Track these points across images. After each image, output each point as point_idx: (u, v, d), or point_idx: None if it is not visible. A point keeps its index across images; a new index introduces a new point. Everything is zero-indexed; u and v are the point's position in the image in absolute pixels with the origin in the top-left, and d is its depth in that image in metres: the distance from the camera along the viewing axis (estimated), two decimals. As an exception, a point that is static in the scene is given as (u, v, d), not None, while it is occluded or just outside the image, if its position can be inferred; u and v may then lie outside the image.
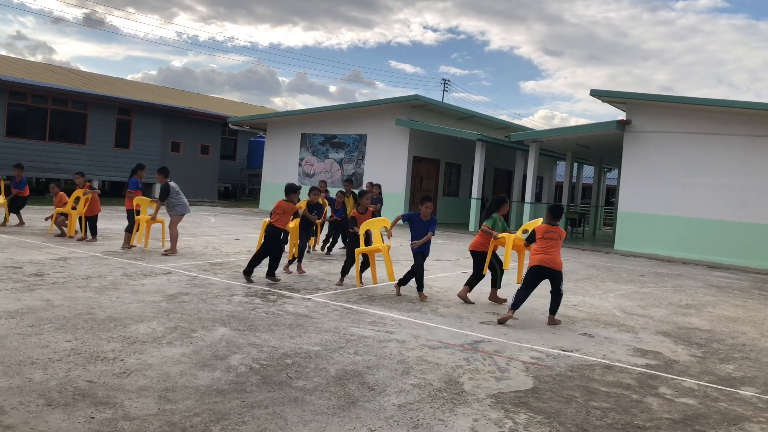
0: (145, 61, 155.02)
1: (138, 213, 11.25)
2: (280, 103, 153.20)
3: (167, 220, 11.03)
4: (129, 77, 71.52)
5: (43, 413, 3.72)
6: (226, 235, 14.46)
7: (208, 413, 3.89)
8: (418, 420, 4.03)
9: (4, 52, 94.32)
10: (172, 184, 10.89)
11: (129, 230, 11.09)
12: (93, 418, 3.70)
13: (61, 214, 12.29)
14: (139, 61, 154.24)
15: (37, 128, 22.76)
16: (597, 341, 6.53)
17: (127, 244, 11.01)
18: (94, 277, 8.05)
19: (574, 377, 5.20)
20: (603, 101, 17.91)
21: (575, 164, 27.28)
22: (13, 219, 13.63)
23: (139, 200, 11.38)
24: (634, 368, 5.61)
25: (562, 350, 6.05)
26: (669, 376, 5.45)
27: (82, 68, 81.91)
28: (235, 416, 3.87)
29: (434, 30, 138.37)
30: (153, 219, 11.01)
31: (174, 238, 10.79)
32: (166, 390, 4.22)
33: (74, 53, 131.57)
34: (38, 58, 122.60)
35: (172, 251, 10.67)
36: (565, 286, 10.11)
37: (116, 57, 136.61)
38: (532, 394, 4.70)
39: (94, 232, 11.87)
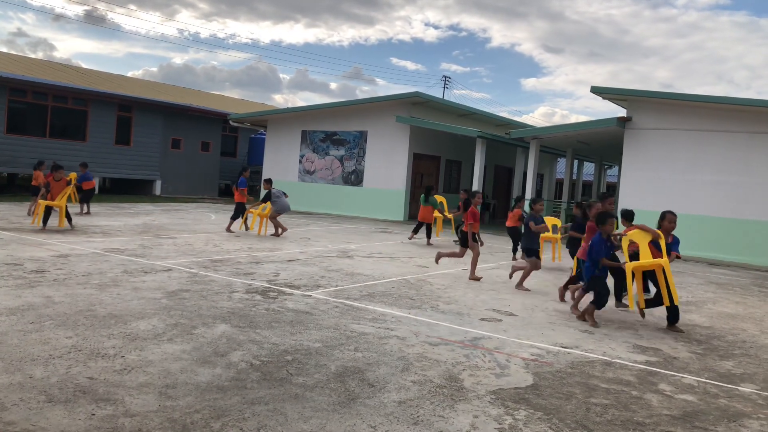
0: (146, 58, 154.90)
1: (245, 206, 14.52)
2: (281, 100, 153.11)
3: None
4: (130, 74, 71.56)
5: (43, 410, 3.73)
6: (225, 232, 14.46)
7: (209, 410, 3.90)
8: (418, 416, 4.04)
9: (4, 49, 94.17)
10: (274, 190, 14.40)
11: (234, 218, 14.41)
12: (94, 414, 3.71)
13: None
14: (140, 58, 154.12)
15: (37, 125, 22.76)
16: (597, 338, 6.53)
17: (229, 229, 14.32)
18: (95, 273, 8.06)
19: (574, 374, 5.21)
20: (604, 98, 17.89)
21: (576, 161, 27.29)
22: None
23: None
24: (634, 365, 5.61)
25: (562, 347, 6.06)
26: (669, 372, 5.46)
27: (83, 65, 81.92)
28: (235, 413, 3.88)
29: (436, 27, 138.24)
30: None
31: (275, 225, 14.21)
32: (167, 386, 4.23)
33: (75, 50, 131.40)
34: (39, 55, 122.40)
35: (276, 234, 14.16)
36: (562, 282, 10.13)
37: (117, 54, 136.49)
38: (532, 391, 4.70)
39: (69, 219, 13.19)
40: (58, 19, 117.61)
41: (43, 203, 12.66)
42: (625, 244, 7.39)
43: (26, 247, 9.93)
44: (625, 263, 7.33)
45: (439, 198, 15.99)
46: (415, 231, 15.18)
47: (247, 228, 14.79)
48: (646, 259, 7.17)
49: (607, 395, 4.72)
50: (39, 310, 6.01)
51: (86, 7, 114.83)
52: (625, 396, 4.74)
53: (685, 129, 16.33)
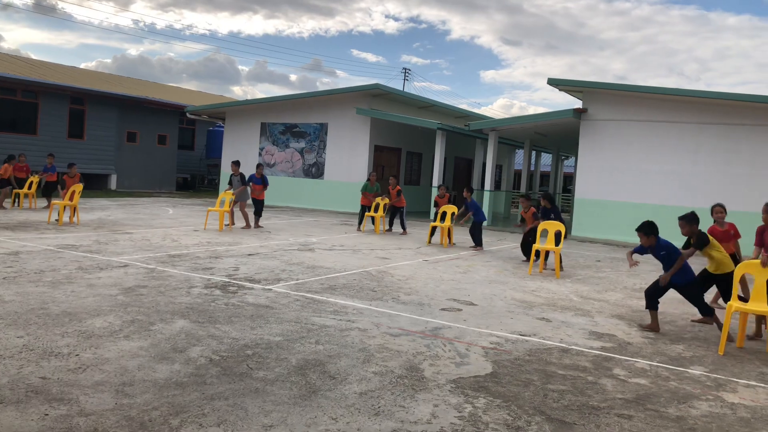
0: (99, 49, 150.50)
1: (260, 201, 14.79)
2: (240, 92, 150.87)
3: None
4: (82, 66, 69.51)
5: (-6, 411, 3.62)
6: (184, 226, 14.24)
7: (167, 406, 3.85)
8: (379, 407, 4.07)
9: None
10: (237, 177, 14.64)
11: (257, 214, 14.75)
12: (47, 414, 3.62)
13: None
14: (93, 49, 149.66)
15: (-16, 118, 21.94)
16: (554, 325, 6.67)
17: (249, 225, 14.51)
18: (48, 271, 7.85)
19: (532, 361, 5.31)
20: (560, 90, 18.19)
21: (533, 152, 27.69)
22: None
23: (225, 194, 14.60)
24: (590, 351, 5.75)
25: (521, 335, 6.17)
26: (623, 357, 5.62)
27: (33, 56, 79.19)
28: (194, 409, 3.84)
29: (396, 19, 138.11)
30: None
31: (244, 217, 14.58)
32: (124, 384, 4.16)
33: (24, 40, 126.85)
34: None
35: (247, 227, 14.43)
36: (523, 272, 10.31)
37: (69, 45, 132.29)
38: (491, 379, 4.78)
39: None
40: (5, 8, 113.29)
41: (60, 202, 13.43)
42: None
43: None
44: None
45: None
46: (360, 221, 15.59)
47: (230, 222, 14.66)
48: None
49: (564, 381, 4.83)
50: (-12, 309, 5.82)
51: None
52: (581, 381, 4.86)
53: (639, 120, 16.75)
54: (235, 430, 3.58)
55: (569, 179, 36.72)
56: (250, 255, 10.30)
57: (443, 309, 7.11)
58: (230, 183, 14.72)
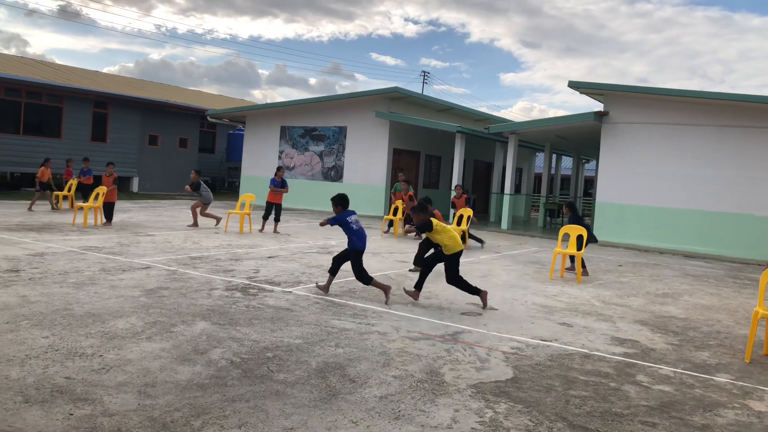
0: (122, 53, 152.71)
1: (275, 205, 14.59)
2: (260, 95, 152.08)
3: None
4: (105, 70, 70.43)
5: (20, 410, 3.67)
6: (205, 228, 14.35)
7: (189, 408, 3.87)
8: (399, 411, 4.05)
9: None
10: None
11: (277, 219, 14.63)
12: (71, 414, 3.66)
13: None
14: (115, 54, 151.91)
15: (10, 122, 22.35)
16: (576, 331, 6.61)
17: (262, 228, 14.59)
18: (72, 272, 7.95)
19: (553, 366, 5.27)
20: (581, 93, 18.05)
21: (554, 155, 27.51)
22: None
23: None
24: (612, 357, 5.69)
25: (542, 340, 6.11)
26: (646, 364, 5.54)
27: (57, 61, 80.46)
28: (216, 410, 3.86)
29: (415, 22, 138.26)
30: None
31: (212, 216, 15.03)
32: (146, 385, 4.20)
33: (49, 46, 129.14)
34: (12, 50, 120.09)
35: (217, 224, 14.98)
36: (544, 277, 10.23)
37: (92, 50, 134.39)
38: (512, 384, 4.75)
39: (110, 218, 14.03)
40: (31, 14, 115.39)
41: (85, 205, 13.70)
42: None
43: (0, 246, 9.75)
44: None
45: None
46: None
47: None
48: None
49: (585, 387, 4.78)
50: (14, 309, 5.91)
51: (60, 2, 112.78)
52: (603, 388, 4.80)
53: (660, 123, 16.55)
54: (256, 433, 3.59)
55: (590, 183, 36.42)
56: (270, 257, 10.35)
57: (463, 313, 7.08)
58: (190, 185, 14.97)
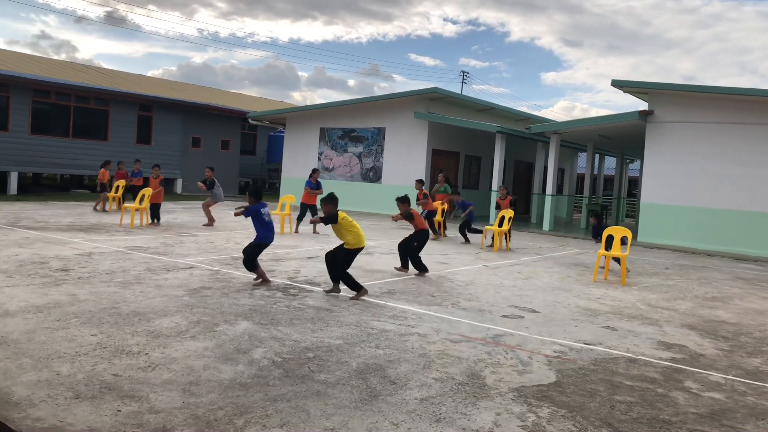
0: (165, 57, 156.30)
1: (310, 207, 14.67)
2: (299, 97, 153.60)
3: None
4: (149, 74, 72.26)
5: (71, 406, 3.78)
6: (246, 229, 14.55)
7: (232, 406, 3.92)
8: (440, 414, 4.02)
9: (29, 51, 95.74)
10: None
11: (300, 218, 14.68)
12: (119, 410, 3.75)
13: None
14: (159, 58, 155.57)
15: (60, 125, 23.09)
16: (620, 334, 6.46)
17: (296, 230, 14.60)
18: (118, 272, 8.15)
19: (597, 371, 5.16)
20: (624, 91, 17.67)
21: (597, 155, 27.01)
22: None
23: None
24: (659, 362, 5.54)
25: (585, 343, 6.00)
26: (695, 369, 5.38)
27: (104, 66, 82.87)
28: (258, 410, 3.90)
29: (454, 22, 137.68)
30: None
31: (207, 215, 14.97)
32: (190, 383, 4.27)
33: (96, 51, 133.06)
34: (62, 56, 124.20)
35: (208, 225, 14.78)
36: (587, 279, 10.04)
37: (137, 54, 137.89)
38: (555, 388, 4.66)
39: (157, 218, 14.57)
40: (80, 21, 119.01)
41: (132, 206, 14.01)
42: None
43: (51, 246, 10.07)
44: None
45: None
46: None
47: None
48: None
49: (631, 393, 4.67)
50: (65, 307, 6.10)
51: (107, 9, 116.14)
52: (650, 394, 4.68)
53: (709, 122, 16.08)
54: (298, 433, 3.61)
55: (634, 183, 35.63)
56: (309, 258, 10.42)
57: (504, 316, 7.00)
58: (204, 183, 15.16)
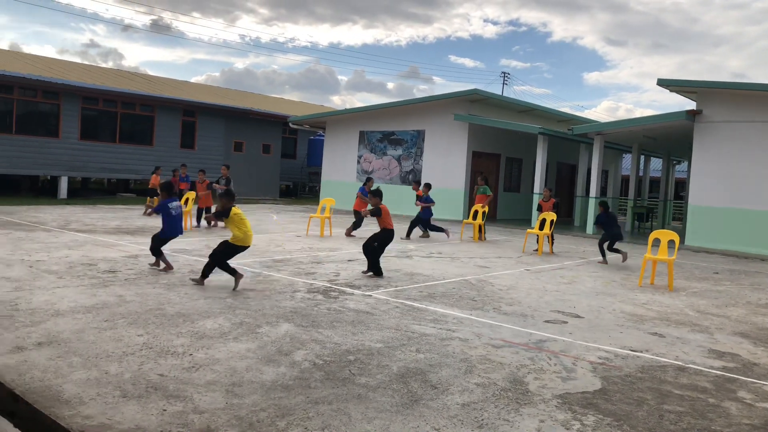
0: (208, 63, 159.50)
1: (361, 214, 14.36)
2: (339, 101, 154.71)
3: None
4: (193, 80, 73.79)
5: (119, 404, 3.86)
6: (288, 232, 14.69)
7: (274, 408, 3.94)
8: (482, 420, 3.97)
9: (78, 60, 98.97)
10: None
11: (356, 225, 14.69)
12: (165, 410, 3.81)
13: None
14: (202, 64, 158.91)
15: (107, 131, 23.75)
16: (668, 341, 6.27)
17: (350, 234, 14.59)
18: (163, 273, 8.32)
19: (644, 378, 5.01)
20: (671, 91, 17.21)
21: (642, 157, 26.39)
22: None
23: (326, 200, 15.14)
24: (710, 370, 5.35)
25: (632, 350, 5.84)
26: (748, 379, 5.18)
27: (150, 72, 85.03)
28: (300, 412, 3.91)
29: (494, 23, 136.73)
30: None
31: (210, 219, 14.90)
32: (233, 384, 4.31)
33: (142, 58, 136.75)
34: (109, 64, 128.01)
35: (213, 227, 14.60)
36: (632, 284, 9.79)
37: (181, 60, 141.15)
38: (601, 396, 4.55)
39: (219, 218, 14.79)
40: (126, 29, 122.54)
41: (187, 207, 14.18)
42: None
43: (99, 248, 10.35)
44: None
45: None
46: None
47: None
48: None
49: (681, 402, 4.52)
50: (112, 308, 6.25)
51: (152, 17, 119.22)
52: (701, 403, 4.52)
53: (761, 120, 15.52)
54: (339, 436, 3.61)
55: (681, 185, 34.68)
56: (349, 261, 10.45)
57: (547, 321, 6.88)
58: (217, 183, 15.25)
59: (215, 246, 7.98)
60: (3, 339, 5.05)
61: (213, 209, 14.96)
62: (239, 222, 7.71)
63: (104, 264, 8.82)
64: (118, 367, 4.51)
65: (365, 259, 9.24)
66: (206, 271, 7.73)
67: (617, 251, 12.11)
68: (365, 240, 9.31)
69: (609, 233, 12.10)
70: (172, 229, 8.57)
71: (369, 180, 15.37)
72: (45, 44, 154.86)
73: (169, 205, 8.55)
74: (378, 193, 9.53)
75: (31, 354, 4.72)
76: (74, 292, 6.87)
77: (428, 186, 15.38)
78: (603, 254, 12.19)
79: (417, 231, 15.34)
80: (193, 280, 7.79)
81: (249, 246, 7.84)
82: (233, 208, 7.70)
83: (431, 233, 15.19)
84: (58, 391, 4.02)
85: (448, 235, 14.76)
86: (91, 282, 7.51)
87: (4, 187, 22.89)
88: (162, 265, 8.56)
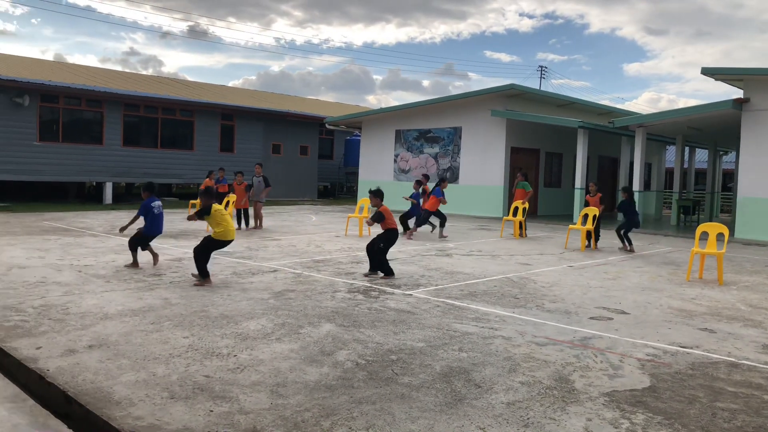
0: (245, 67, 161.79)
1: (436, 212, 14.55)
2: (374, 100, 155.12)
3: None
4: (231, 84, 74.96)
5: (167, 405, 3.93)
6: (327, 232, 14.78)
7: (318, 408, 3.96)
8: (528, 418, 3.91)
9: (119, 68, 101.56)
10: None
11: (442, 224, 14.47)
12: (212, 411, 3.87)
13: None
14: (239, 68, 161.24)
15: (149, 137, 24.31)
16: (720, 337, 6.08)
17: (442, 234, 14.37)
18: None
19: (695, 375, 4.87)
20: (716, 79, 16.71)
21: (686, 148, 25.69)
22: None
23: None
24: (765, 366, 5.17)
25: (681, 346, 5.68)
26: (806, 375, 4.98)
27: (188, 78, 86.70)
28: (344, 412, 3.92)
29: (530, 16, 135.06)
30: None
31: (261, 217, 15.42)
32: (278, 385, 4.35)
33: (181, 64, 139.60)
34: (149, 71, 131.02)
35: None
36: (680, 278, 9.53)
37: (218, 65, 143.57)
38: (650, 393, 4.44)
39: (246, 223, 15.21)
40: (165, 36, 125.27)
41: (228, 210, 14.42)
42: None
43: (145, 253, 10.57)
44: None
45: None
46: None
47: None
48: None
49: (735, 399, 4.37)
50: (158, 311, 6.38)
51: (190, 23, 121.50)
52: (755, 401, 4.37)
53: (813, 108, 14.93)
54: (384, 436, 3.60)
55: (729, 176, 33.65)
56: (388, 260, 10.43)
57: (592, 318, 6.75)
58: (251, 185, 15.37)
59: (198, 243, 8.23)
60: (56, 342, 5.21)
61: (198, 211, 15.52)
62: (220, 218, 7.99)
63: (149, 268, 9.02)
64: (165, 369, 4.60)
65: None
66: (200, 268, 7.92)
67: (627, 240, 12.78)
68: (370, 241, 9.12)
69: (631, 220, 12.81)
70: (154, 227, 9.06)
71: (443, 181, 14.98)
72: (88, 54, 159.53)
73: (151, 204, 9.04)
74: (379, 194, 9.17)
75: (82, 356, 4.85)
76: (121, 296, 7.04)
77: (419, 183, 15.45)
78: (629, 241, 12.84)
79: (428, 225, 15.21)
80: (195, 285, 7.82)
81: (232, 240, 8.15)
82: (213, 205, 8.00)
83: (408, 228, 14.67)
84: (108, 393, 4.12)
85: (407, 236, 14.08)
86: (137, 285, 7.68)
87: (53, 194, 23.64)
88: (132, 262, 9.01)
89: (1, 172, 20.56)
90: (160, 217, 9.10)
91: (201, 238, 8.33)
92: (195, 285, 7.78)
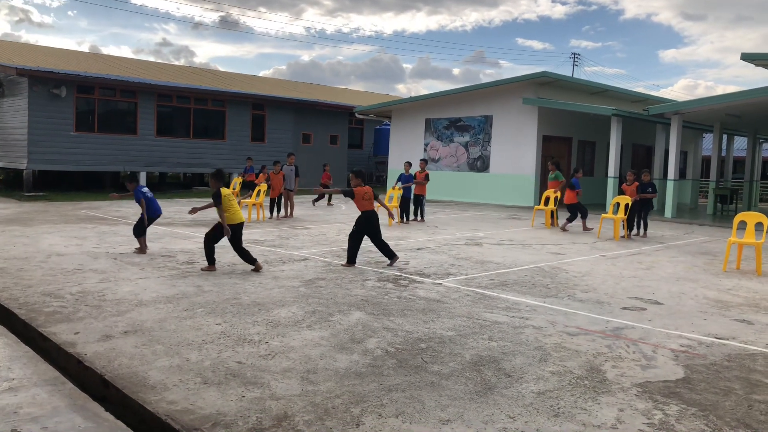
0: (275, 57, 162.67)
1: (574, 206, 14.09)
2: (404, 89, 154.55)
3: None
4: (261, 74, 75.45)
5: (200, 391, 4.01)
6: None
7: (348, 395, 3.99)
8: (558, 408, 3.89)
9: (152, 59, 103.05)
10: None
11: (584, 216, 14.23)
12: (243, 396, 3.93)
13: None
14: (270, 58, 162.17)
15: (182, 127, 24.62)
16: (758, 329, 5.95)
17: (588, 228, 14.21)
18: (239, 264, 8.57)
19: (731, 367, 4.77)
20: (756, 65, 16.23)
21: (724, 136, 25.05)
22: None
23: None
24: (804, 359, 5.04)
25: (716, 338, 5.57)
26: None
27: (220, 68, 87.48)
28: (373, 399, 3.94)
29: (563, 3, 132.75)
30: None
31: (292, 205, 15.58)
32: (308, 372, 4.40)
33: (212, 54, 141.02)
34: (181, 61, 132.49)
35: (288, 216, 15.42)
36: (716, 269, 9.33)
37: (249, 55, 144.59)
38: (684, 385, 4.37)
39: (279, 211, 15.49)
40: (196, 27, 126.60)
41: (248, 201, 14.95)
42: None
43: (177, 240, 10.77)
44: None
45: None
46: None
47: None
48: None
49: (773, 392, 4.28)
50: (191, 298, 6.49)
51: (221, 14, 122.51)
52: (795, 393, 4.26)
53: None
54: (413, 423, 3.62)
55: None
56: (418, 249, 10.44)
57: (624, 308, 6.65)
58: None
59: (207, 231, 8.40)
60: (93, 328, 5.35)
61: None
62: (228, 204, 8.11)
63: (182, 255, 9.17)
64: (198, 355, 4.69)
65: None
66: (209, 255, 8.10)
67: (635, 226, 13.31)
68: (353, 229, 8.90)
69: (650, 205, 13.39)
70: (154, 208, 9.47)
71: (578, 170, 14.39)
72: (122, 45, 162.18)
73: (143, 190, 9.46)
74: (360, 174, 8.98)
75: (118, 342, 4.97)
76: (155, 283, 7.18)
77: (409, 164, 15.42)
78: (644, 226, 13.34)
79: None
80: (203, 269, 8.07)
81: (242, 222, 8.28)
82: (222, 189, 8.07)
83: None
84: (144, 378, 4.22)
85: (390, 221, 13.86)
86: (170, 273, 7.82)
87: (90, 184, 24.15)
88: (138, 246, 9.38)
89: (40, 162, 21.09)
90: (154, 199, 9.62)
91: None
92: (201, 270, 8.04)
